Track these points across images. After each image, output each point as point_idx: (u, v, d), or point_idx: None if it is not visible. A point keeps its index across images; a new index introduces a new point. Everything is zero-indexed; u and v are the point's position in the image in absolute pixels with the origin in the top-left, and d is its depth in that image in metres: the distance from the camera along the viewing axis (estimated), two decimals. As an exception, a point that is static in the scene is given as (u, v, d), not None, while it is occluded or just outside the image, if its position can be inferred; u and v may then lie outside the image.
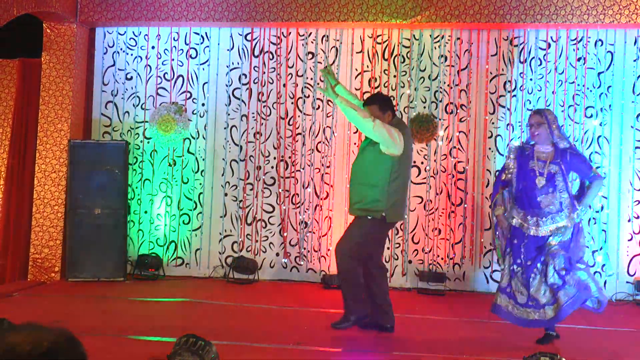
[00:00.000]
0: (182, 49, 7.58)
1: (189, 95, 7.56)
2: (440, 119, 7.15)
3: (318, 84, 7.29)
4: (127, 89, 7.65)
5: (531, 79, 7.07)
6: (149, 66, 7.62)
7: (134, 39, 7.65)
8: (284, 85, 7.41)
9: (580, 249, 5.05)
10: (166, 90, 7.59)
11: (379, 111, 5.23)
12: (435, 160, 7.19)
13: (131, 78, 7.65)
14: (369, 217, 5.10)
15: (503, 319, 5.10)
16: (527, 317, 4.93)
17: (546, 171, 4.96)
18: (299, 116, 7.40)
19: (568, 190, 4.98)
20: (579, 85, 7.01)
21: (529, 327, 4.99)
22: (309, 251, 7.34)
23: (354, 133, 7.27)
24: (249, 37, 7.48)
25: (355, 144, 7.25)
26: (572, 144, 5.22)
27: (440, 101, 7.18)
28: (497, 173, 5.56)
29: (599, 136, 6.98)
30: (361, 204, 5.12)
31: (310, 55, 7.38)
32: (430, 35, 7.21)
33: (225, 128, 7.50)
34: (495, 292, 5.18)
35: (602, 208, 6.95)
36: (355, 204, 5.17)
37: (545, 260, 4.88)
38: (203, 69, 7.56)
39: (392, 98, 7.23)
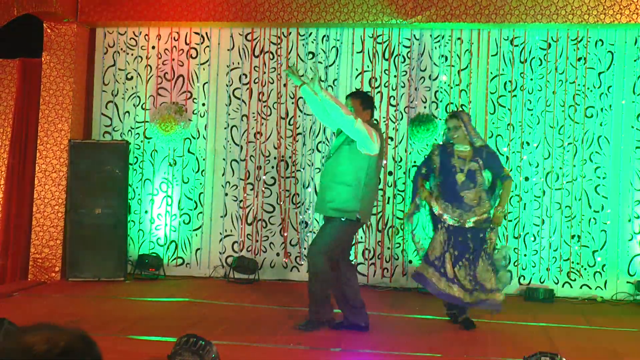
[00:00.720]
0: (182, 49, 7.58)
1: (189, 95, 7.56)
2: (440, 119, 7.14)
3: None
4: (127, 89, 7.65)
5: (531, 79, 7.07)
6: (150, 66, 7.62)
7: (134, 39, 7.65)
8: (285, 85, 7.41)
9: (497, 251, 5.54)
10: (166, 90, 7.59)
11: (360, 106, 5.23)
12: (435, 160, 7.18)
13: (131, 78, 7.65)
14: (343, 219, 5.09)
15: (429, 290, 5.47)
16: (450, 292, 5.32)
17: (466, 168, 5.42)
18: (299, 116, 7.40)
19: (485, 185, 5.50)
20: (579, 85, 7.00)
21: (448, 300, 5.42)
22: (309, 251, 7.34)
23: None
24: (249, 37, 7.48)
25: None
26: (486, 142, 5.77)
27: (441, 101, 7.18)
28: (417, 168, 5.85)
29: (600, 136, 6.98)
30: (333, 204, 5.09)
31: (310, 55, 7.38)
32: (431, 35, 7.21)
33: (225, 128, 7.51)
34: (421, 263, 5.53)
35: (602, 208, 6.96)
36: (328, 203, 5.13)
37: (474, 252, 5.37)
38: (203, 68, 7.56)
39: (392, 98, 7.25)
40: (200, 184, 7.52)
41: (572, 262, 6.96)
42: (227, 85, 7.51)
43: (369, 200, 5.19)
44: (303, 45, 7.40)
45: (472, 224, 5.37)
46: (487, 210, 5.40)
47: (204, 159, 7.53)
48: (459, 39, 7.17)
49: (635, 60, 6.96)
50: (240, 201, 7.45)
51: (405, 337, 5.19)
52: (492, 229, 5.44)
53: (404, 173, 7.21)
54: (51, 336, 1.32)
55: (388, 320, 5.74)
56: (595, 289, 6.92)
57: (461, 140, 5.48)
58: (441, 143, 5.71)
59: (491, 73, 7.13)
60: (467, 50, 7.16)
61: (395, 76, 7.26)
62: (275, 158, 7.42)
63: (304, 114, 7.37)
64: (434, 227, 5.52)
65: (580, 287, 6.93)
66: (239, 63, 7.50)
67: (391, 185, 7.23)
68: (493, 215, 5.41)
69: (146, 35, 7.63)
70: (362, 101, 5.29)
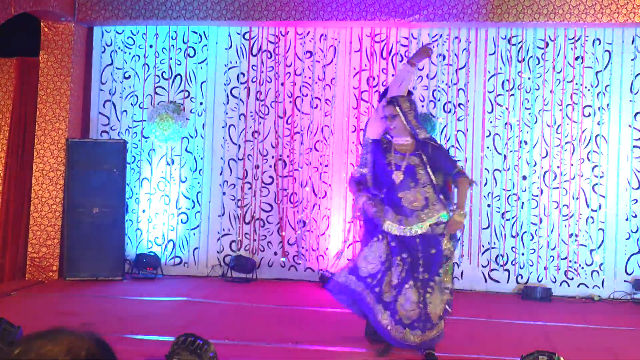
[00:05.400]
0: (180, 48, 7.57)
1: (187, 94, 7.55)
2: (438, 118, 7.15)
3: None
4: (125, 88, 7.64)
5: (529, 78, 7.08)
6: (147, 65, 7.61)
7: (132, 38, 7.64)
8: (282, 84, 7.41)
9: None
10: (164, 89, 7.59)
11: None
12: (433, 159, 7.18)
13: (129, 77, 7.64)
14: None
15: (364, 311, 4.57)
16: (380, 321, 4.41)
17: (404, 164, 4.44)
18: (297, 115, 7.40)
19: (433, 184, 4.45)
20: (577, 84, 7.01)
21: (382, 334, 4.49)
22: (307, 250, 7.34)
23: (352, 132, 7.27)
24: (247, 36, 7.48)
25: (353, 142, 7.25)
26: (431, 135, 5.01)
27: (439, 100, 7.19)
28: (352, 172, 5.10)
29: (597, 135, 6.99)
30: None
31: (308, 54, 7.38)
32: (429, 34, 7.21)
33: (223, 127, 7.50)
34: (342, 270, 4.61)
35: (600, 207, 6.97)
36: None
37: (420, 273, 4.41)
38: (201, 67, 7.56)
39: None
40: (198, 183, 7.52)
41: (570, 261, 6.97)
42: (224, 84, 7.51)
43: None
44: (301, 44, 7.40)
45: (415, 232, 4.38)
46: (440, 219, 4.39)
47: (201, 158, 7.52)
48: (456, 38, 7.17)
49: (632, 59, 6.97)
50: (238, 200, 7.45)
51: (403, 336, 5.18)
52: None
53: (402, 172, 7.21)
54: (71, 345, 1.26)
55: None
56: (593, 287, 6.93)
57: (400, 132, 4.52)
58: (375, 138, 4.64)
59: (489, 72, 7.14)
60: (465, 49, 7.16)
61: (393, 75, 7.25)
62: (273, 157, 7.42)
63: (302, 112, 7.37)
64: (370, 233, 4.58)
65: (578, 286, 6.94)
66: (236, 62, 7.50)
67: (389, 184, 7.22)
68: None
69: (144, 34, 7.62)
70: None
